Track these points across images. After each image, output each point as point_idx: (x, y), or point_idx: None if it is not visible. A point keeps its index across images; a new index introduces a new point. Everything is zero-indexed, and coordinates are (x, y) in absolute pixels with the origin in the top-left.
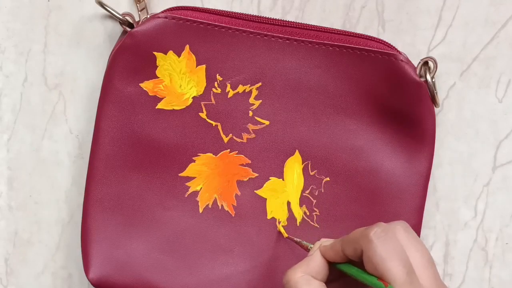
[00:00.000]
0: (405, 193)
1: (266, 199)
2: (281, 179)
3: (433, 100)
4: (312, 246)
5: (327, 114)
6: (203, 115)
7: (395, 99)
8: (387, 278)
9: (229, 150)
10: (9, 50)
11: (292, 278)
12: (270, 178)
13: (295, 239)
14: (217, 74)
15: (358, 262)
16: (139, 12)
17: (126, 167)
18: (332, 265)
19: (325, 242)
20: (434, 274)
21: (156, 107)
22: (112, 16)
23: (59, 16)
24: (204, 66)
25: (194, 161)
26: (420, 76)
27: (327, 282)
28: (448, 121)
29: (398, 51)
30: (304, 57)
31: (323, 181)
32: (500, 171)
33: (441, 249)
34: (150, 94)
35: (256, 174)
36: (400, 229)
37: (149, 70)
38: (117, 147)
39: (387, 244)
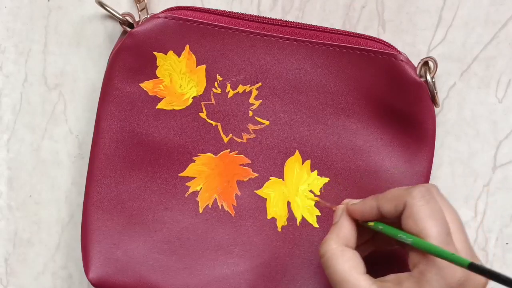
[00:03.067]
0: None
1: (266, 199)
2: (281, 179)
3: (433, 100)
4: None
5: (327, 114)
6: (203, 115)
7: (395, 99)
8: (427, 235)
9: (229, 150)
10: (9, 50)
11: (327, 250)
12: (270, 178)
13: (326, 203)
14: (217, 74)
15: (389, 220)
16: (139, 12)
17: (126, 167)
18: (361, 225)
19: (353, 201)
20: (466, 238)
21: (156, 107)
22: (112, 16)
23: (59, 16)
24: (204, 66)
25: (194, 161)
26: (420, 76)
27: (357, 246)
28: (448, 121)
29: (398, 51)
30: (304, 57)
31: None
32: (500, 171)
33: None
34: (150, 94)
35: (256, 174)
36: (437, 192)
37: (149, 70)
38: (117, 147)
39: (430, 203)
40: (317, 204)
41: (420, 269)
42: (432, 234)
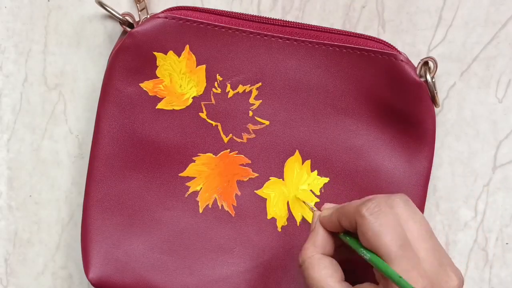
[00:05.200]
0: (405, 193)
1: (266, 199)
2: (281, 179)
3: (433, 100)
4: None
5: (327, 114)
6: (203, 115)
7: (395, 99)
8: (381, 252)
9: (229, 150)
10: (9, 50)
11: (305, 259)
12: (270, 178)
13: (309, 205)
14: (217, 74)
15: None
16: (139, 12)
17: (126, 167)
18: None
19: (325, 210)
20: (433, 246)
21: (156, 107)
22: (112, 16)
23: (59, 16)
24: (204, 66)
25: (194, 161)
26: (420, 76)
27: (336, 247)
28: (448, 121)
29: (398, 51)
30: (304, 57)
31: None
32: (500, 171)
33: None
34: (150, 94)
35: (256, 174)
36: (399, 202)
37: (149, 70)
38: (117, 147)
39: (380, 219)
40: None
41: (383, 283)
42: (387, 248)
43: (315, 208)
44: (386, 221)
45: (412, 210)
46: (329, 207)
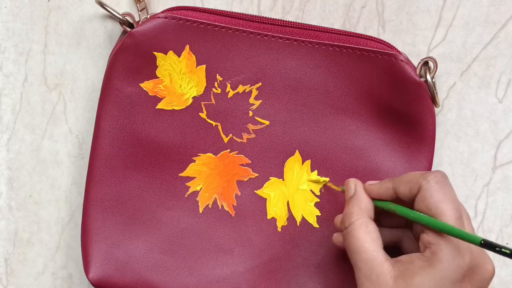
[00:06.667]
0: None
1: (266, 199)
2: (281, 179)
3: (433, 100)
4: (343, 188)
5: (327, 114)
6: (203, 115)
7: (395, 99)
8: (441, 216)
9: (229, 150)
10: (9, 50)
11: (353, 221)
12: (270, 178)
13: (332, 186)
14: (217, 74)
15: (403, 202)
16: (139, 12)
17: (126, 167)
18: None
19: (369, 183)
20: (472, 225)
21: (156, 107)
22: (112, 16)
23: (59, 16)
24: (204, 66)
25: (194, 161)
26: (420, 76)
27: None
28: (448, 121)
29: (398, 51)
30: (304, 57)
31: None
32: (500, 171)
33: None
34: (150, 94)
35: (256, 174)
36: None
37: (149, 70)
38: (117, 147)
39: (444, 188)
40: (324, 187)
41: (432, 250)
42: (447, 216)
43: (342, 187)
44: (449, 192)
45: (454, 190)
46: (371, 182)
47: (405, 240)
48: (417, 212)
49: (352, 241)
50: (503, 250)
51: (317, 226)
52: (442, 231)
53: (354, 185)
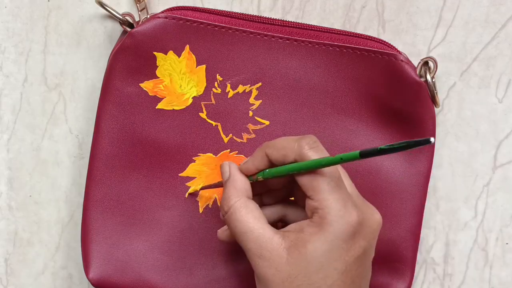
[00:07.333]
0: (405, 193)
1: None
2: None
3: (433, 100)
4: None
5: (327, 114)
6: (203, 115)
7: (395, 99)
8: (320, 173)
9: (229, 150)
10: (9, 50)
11: (231, 205)
12: None
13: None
14: (217, 74)
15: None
16: (139, 12)
17: (126, 167)
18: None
19: (245, 161)
20: (351, 184)
21: (156, 107)
22: (112, 16)
23: (59, 16)
24: (204, 66)
25: (194, 161)
26: (420, 76)
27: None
28: (448, 121)
29: (398, 51)
30: (304, 57)
31: None
32: (500, 171)
33: (441, 249)
34: (150, 94)
35: None
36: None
37: (149, 70)
38: (117, 147)
39: (319, 152)
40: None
41: (319, 214)
42: (326, 173)
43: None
44: (325, 155)
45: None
46: (246, 159)
47: (290, 213)
48: (288, 165)
49: (236, 224)
50: (383, 148)
51: None
52: (317, 167)
53: (228, 167)
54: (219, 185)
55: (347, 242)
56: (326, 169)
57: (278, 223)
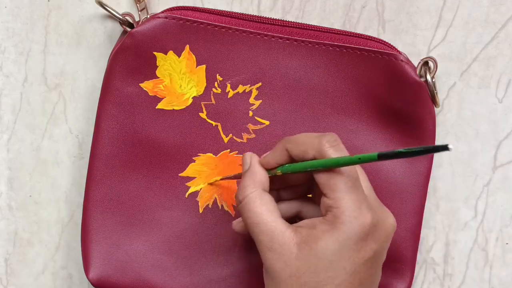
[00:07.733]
0: (405, 193)
1: None
2: None
3: (433, 100)
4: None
5: (327, 114)
6: (203, 115)
7: (395, 99)
8: (338, 172)
9: (229, 150)
10: (9, 50)
11: (246, 195)
12: None
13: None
14: (217, 74)
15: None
16: (139, 12)
17: (126, 167)
18: (271, 175)
19: (266, 154)
20: (369, 187)
21: (156, 107)
22: (112, 16)
23: (59, 16)
24: (204, 66)
25: (194, 161)
26: (420, 76)
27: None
28: (448, 121)
29: (398, 51)
30: (304, 57)
31: None
32: (500, 171)
33: (441, 249)
34: (150, 94)
35: None
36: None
37: (149, 70)
38: (117, 147)
39: (339, 151)
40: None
41: (333, 213)
42: (343, 172)
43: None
44: (344, 154)
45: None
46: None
47: (306, 210)
48: (307, 161)
49: (249, 215)
50: (401, 151)
51: None
52: (335, 165)
53: (249, 159)
54: (238, 176)
55: (358, 243)
56: (345, 169)
57: (296, 219)
